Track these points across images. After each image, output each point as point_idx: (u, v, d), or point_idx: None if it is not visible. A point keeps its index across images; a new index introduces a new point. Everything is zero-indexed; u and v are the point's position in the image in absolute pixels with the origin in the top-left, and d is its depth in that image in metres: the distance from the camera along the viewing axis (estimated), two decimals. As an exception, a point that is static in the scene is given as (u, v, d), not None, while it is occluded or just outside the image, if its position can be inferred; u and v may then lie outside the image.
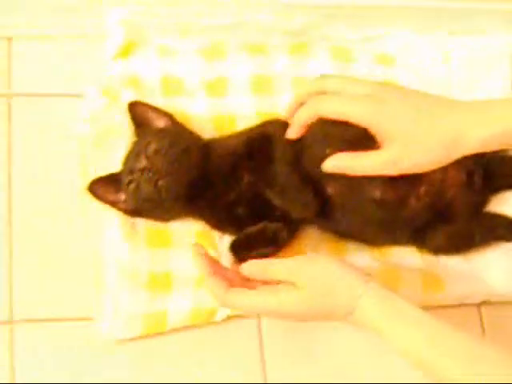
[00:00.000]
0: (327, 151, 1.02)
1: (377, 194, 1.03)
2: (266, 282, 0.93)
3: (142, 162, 1.01)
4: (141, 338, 1.04)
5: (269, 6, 1.19)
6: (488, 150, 0.94)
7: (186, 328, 1.06)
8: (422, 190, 1.04)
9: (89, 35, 1.18)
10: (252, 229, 1.04)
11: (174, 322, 1.05)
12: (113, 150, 1.08)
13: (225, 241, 1.08)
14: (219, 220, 1.08)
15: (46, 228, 1.08)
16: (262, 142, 1.05)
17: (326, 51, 1.23)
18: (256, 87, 1.18)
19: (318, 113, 0.95)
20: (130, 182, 1.02)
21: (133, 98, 1.11)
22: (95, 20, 1.16)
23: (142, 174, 1.01)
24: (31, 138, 1.12)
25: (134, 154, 1.03)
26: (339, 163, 0.95)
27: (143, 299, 1.04)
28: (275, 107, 1.17)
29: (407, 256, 1.12)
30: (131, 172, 1.02)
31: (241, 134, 1.10)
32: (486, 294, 1.12)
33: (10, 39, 1.17)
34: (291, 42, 1.23)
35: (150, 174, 1.00)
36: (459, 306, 1.12)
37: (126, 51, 1.17)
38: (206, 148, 1.06)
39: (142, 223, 1.08)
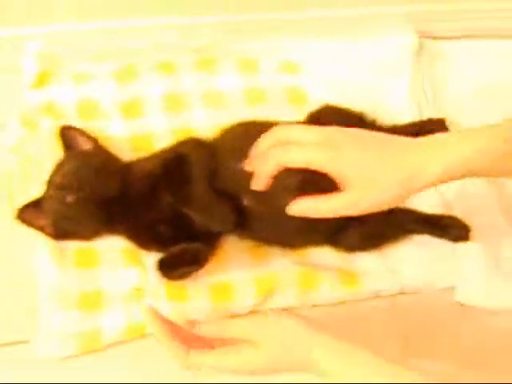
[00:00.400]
0: (240, 165, 1.06)
1: (289, 201, 1.03)
2: (223, 340, 0.98)
3: (57, 180, 1.06)
4: (78, 355, 1.07)
5: (174, 26, 1.24)
6: (444, 183, 0.96)
7: (122, 342, 1.09)
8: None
9: (6, 68, 1.21)
10: (174, 249, 1.08)
11: (109, 338, 1.08)
12: (37, 177, 1.11)
13: (151, 258, 1.11)
14: (142, 239, 1.12)
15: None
16: (177, 163, 1.08)
17: (232, 64, 1.28)
18: (168, 106, 1.23)
19: (280, 164, 0.96)
20: (46, 199, 1.07)
21: (51, 125, 1.16)
22: (12, 53, 1.20)
23: (55, 190, 1.06)
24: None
25: (53, 174, 1.09)
26: (303, 207, 0.97)
27: (76, 319, 1.08)
28: (188, 123, 1.22)
29: (324, 256, 1.16)
30: (48, 189, 1.07)
31: (157, 155, 1.13)
32: (401, 286, 1.15)
33: None
34: (198, 58, 1.27)
35: (61, 191, 1.05)
36: (376, 297, 1.16)
37: (41, 81, 1.21)
38: (124, 170, 1.10)
39: (70, 245, 1.12)
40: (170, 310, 1.08)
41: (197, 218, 1.07)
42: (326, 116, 1.18)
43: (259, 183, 0.99)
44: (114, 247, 1.13)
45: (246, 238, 1.15)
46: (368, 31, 1.32)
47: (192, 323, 1.02)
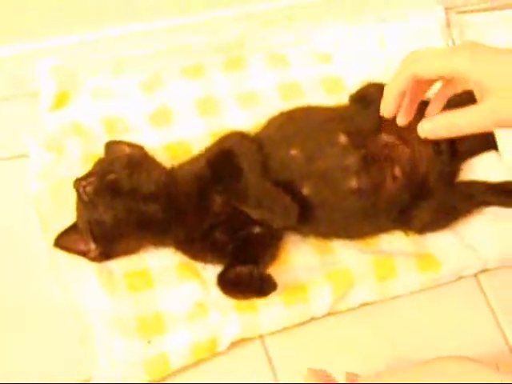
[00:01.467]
0: (292, 152, 1.02)
1: (353, 183, 1.01)
2: None
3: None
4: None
5: (198, 25, 1.19)
6: None
7: (190, 367, 1.00)
8: (396, 170, 1.03)
9: (22, 93, 1.16)
10: (240, 269, 0.99)
11: (177, 361, 0.99)
12: (70, 201, 1.03)
13: (209, 271, 1.04)
14: (198, 250, 1.04)
15: (20, 297, 1.03)
16: (224, 159, 1.02)
17: (262, 61, 1.24)
18: (202, 110, 1.18)
19: (415, 75, 0.82)
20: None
21: (79, 145, 1.11)
22: (22, 73, 1.15)
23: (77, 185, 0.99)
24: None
25: None
26: (435, 125, 0.83)
27: (138, 346, 0.98)
28: (225, 126, 1.15)
29: (395, 243, 1.10)
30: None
31: (200, 156, 1.07)
32: (482, 263, 1.09)
33: None
34: (226, 58, 1.23)
35: (81, 182, 0.98)
36: (457, 279, 1.09)
37: (61, 101, 1.16)
38: (167, 176, 1.02)
39: (118, 269, 1.04)
40: (241, 324, 1.00)
41: (255, 214, 1.00)
42: (373, 94, 1.10)
43: (389, 104, 0.85)
44: (166, 264, 1.05)
45: (307, 233, 1.08)
46: (395, 9, 1.27)
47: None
